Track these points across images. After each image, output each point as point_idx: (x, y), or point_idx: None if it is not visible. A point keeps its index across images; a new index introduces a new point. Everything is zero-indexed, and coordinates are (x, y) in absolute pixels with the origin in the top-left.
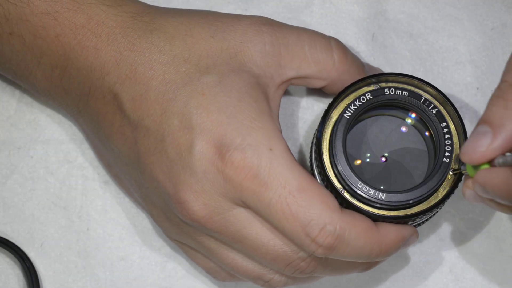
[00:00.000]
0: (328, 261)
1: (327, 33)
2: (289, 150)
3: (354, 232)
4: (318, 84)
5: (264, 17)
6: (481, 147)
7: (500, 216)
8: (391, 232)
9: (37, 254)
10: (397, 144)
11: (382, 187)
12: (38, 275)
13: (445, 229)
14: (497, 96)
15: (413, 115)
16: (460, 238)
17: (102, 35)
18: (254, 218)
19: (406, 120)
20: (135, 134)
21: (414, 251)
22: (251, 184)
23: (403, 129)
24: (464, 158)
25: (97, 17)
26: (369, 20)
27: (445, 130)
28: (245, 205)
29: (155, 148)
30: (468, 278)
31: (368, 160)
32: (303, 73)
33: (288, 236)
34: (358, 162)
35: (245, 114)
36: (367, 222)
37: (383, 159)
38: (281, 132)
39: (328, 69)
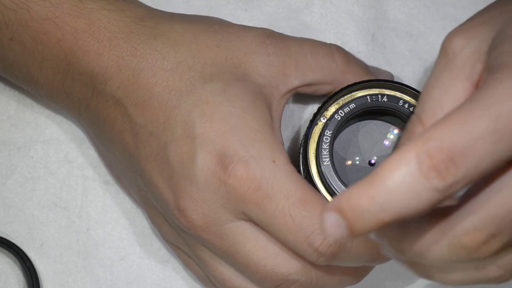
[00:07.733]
0: (319, 284)
1: (327, 34)
2: (290, 161)
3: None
4: (324, 89)
5: (268, 29)
6: None
7: None
8: None
9: (37, 254)
10: (387, 149)
11: None
12: (38, 275)
13: None
14: (406, 129)
15: (396, 131)
16: None
17: (104, 40)
18: (249, 236)
19: (388, 135)
20: (137, 139)
21: None
22: (254, 196)
23: (386, 143)
24: None
25: (98, 22)
26: (369, 20)
27: None
28: (246, 217)
29: (157, 154)
30: None
31: (356, 163)
32: (308, 80)
33: (291, 247)
34: (349, 162)
35: (248, 126)
36: None
37: (372, 162)
38: (283, 144)
39: (333, 72)
